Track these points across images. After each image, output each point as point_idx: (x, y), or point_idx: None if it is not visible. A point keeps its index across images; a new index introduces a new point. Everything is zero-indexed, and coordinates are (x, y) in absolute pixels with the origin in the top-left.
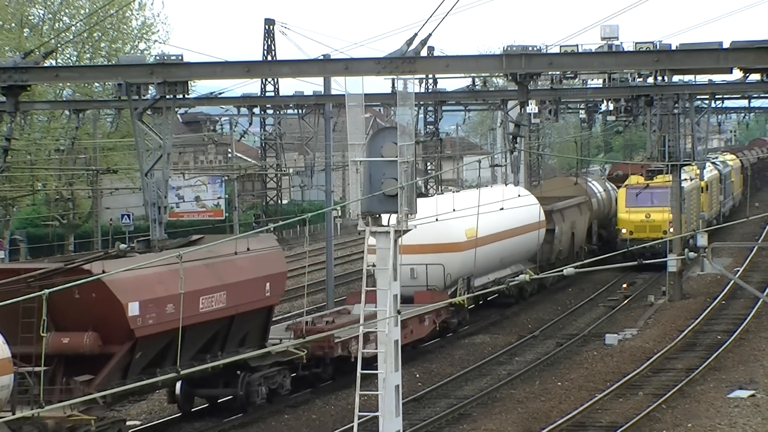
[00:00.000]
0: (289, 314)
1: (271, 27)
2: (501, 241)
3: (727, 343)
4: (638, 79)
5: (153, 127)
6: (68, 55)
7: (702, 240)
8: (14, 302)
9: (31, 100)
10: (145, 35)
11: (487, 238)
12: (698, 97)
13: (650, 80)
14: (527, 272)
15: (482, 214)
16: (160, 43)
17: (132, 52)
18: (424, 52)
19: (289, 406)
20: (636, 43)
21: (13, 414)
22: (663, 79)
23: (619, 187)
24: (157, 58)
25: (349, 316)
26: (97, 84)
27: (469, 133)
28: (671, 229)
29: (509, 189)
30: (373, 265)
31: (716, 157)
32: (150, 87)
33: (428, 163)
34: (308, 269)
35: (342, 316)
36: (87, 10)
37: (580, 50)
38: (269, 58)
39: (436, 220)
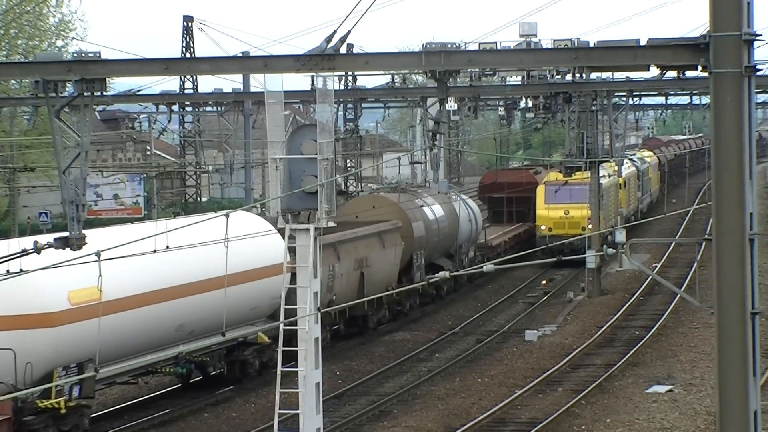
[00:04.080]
0: None
1: (190, 24)
2: (172, 302)
3: (646, 338)
4: (557, 77)
5: (71, 124)
6: None
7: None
8: None
9: None
10: (62, 32)
11: (135, 299)
12: (616, 94)
13: (568, 77)
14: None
15: (131, 258)
16: (78, 40)
17: (49, 49)
18: (343, 50)
19: (209, 404)
20: (554, 40)
21: None
22: (581, 77)
23: (492, 199)
24: (75, 55)
25: None
26: (13, 81)
27: (388, 131)
28: (590, 226)
29: (239, 219)
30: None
31: (634, 154)
32: (67, 84)
33: (348, 161)
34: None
35: None
36: (3, 7)
37: (499, 47)
38: (188, 55)
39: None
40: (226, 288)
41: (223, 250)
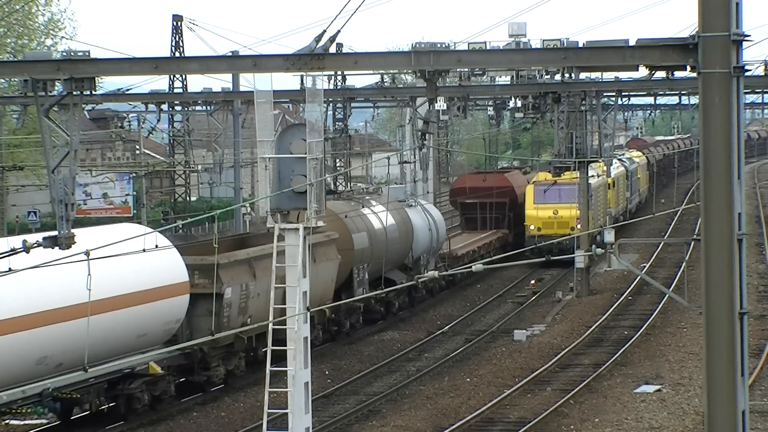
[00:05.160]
0: None
1: (179, 23)
2: (30, 331)
3: (634, 338)
4: (546, 77)
5: (60, 123)
6: None
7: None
8: None
9: None
10: (51, 31)
11: None
12: (605, 94)
13: (558, 77)
14: (437, 269)
15: None
16: (67, 39)
17: (38, 48)
18: (332, 49)
19: (197, 403)
20: (543, 40)
21: None
22: (570, 77)
23: (464, 204)
24: (64, 54)
25: None
26: (2, 80)
27: (377, 130)
28: (578, 226)
29: (124, 232)
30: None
31: (623, 154)
32: (56, 83)
33: (337, 160)
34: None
35: None
36: None
37: (488, 47)
38: (177, 54)
39: None
40: (90, 316)
41: (109, 267)
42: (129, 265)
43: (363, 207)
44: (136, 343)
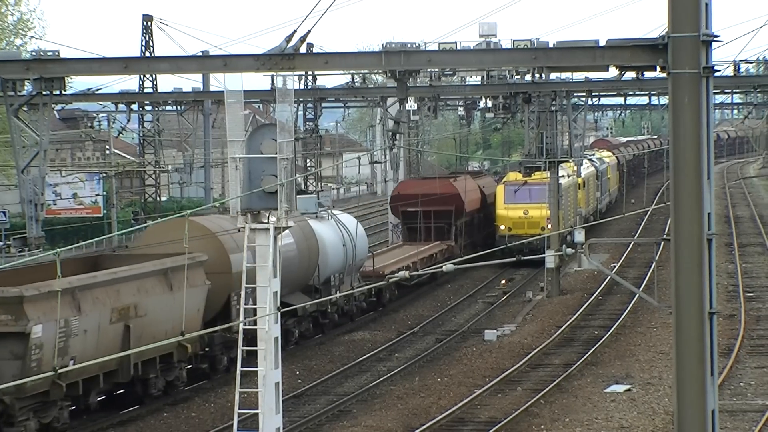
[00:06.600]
0: None
1: (149, 23)
2: None
3: (604, 338)
4: (516, 77)
5: (29, 123)
6: None
7: (579, 236)
8: None
9: None
10: (21, 31)
11: None
12: (575, 94)
13: (528, 77)
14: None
15: None
16: (37, 38)
17: (8, 47)
18: (303, 49)
19: (167, 404)
20: (514, 40)
21: None
22: (540, 77)
23: (406, 213)
24: (33, 53)
25: None
26: None
27: (348, 130)
28: (549, 226)
29: None
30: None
31: (593, 154)
32: (26, 83)
33: (308, 160)
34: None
35: None
36: None
37: (458, 48)
38: (147, 54)
39: None
40: None
41: None
42: None
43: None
44: None
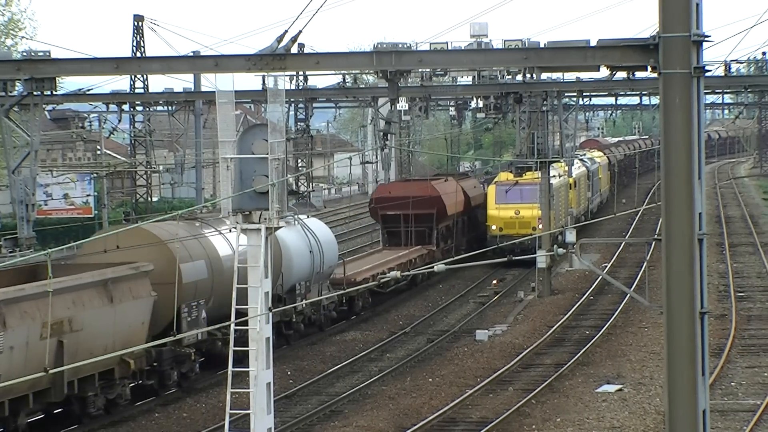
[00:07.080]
0: None
1: (141, 23)
2: None
3: (596, 338)
4: (507, 77)
5: (20, 123)
6: None
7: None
8: None
9: None
10: (11, 31)
11: None
12: (566, 94)
13: (519, 78)
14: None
15: None
16: (27, 39)
17: None
18: (294, 49)
19: (159, 404)
20: (505, 40)
21: None
22: (532, 77)
23: (386, 217)
24: (24, 54)
25: None
26: None
27: (339, 130)
28: (540, 226)
29: None
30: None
31: (584, 154)
32: (17, 83)
33: (299, 160)
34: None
35: None
36: None
37: (449, 48)
38: (138, 54)
39: None
40: None
41: None
42: None
43: (205, 229)
44: None
